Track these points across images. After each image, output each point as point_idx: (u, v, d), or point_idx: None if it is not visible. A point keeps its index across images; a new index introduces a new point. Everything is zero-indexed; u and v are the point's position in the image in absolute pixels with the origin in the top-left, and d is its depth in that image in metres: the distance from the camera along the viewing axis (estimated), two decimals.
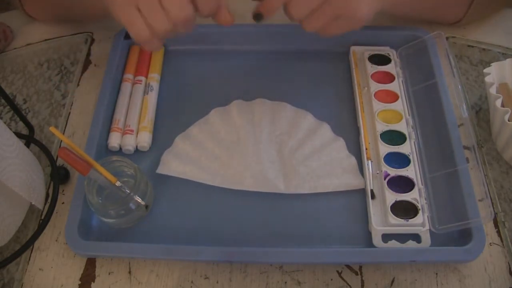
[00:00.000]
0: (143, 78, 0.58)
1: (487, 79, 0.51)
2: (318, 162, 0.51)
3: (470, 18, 0.60)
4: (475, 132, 0.55)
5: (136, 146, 0.53)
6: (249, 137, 0.53)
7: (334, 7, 0.47)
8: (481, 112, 0.56)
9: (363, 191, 0.50)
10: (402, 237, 0.46)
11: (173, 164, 0.52)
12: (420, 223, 0.46)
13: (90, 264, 0.47)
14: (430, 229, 0.46)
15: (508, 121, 0.48)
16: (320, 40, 0.53)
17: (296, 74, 0.59)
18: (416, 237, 0.46)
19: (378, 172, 0.50)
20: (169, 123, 0.55)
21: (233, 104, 0.56)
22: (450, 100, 0.53)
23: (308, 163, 0.51)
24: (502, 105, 0.51)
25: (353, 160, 0.51)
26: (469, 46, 0.62)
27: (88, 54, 0.63)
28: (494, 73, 0.52)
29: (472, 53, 0.61)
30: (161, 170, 0.52)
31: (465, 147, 0.50)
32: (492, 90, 0.51)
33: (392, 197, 0.48)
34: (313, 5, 0.47)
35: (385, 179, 0.49)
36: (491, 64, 0.52)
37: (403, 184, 0.48)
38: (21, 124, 0.55)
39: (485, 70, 0.52)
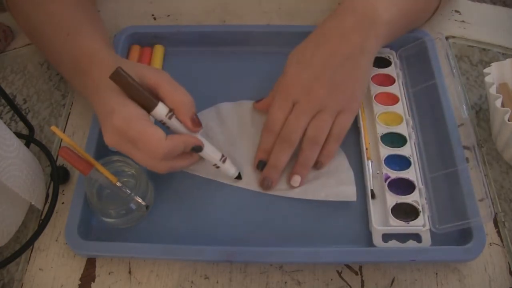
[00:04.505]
0: None
1: (487, 79, 0.51)
2: (315, 171, 0.51)
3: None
4: (475, 132, 0.55)
5: None
6: (251, 136, 0.53)
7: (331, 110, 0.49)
8: (481, 112, 0.56)
9: (363, 191, 0.50)
10: (402, 237, 0.46)
11: None
12: (421, 224, 0.46)
13: (90, 264, 0.47)
14: (430, 229, 0.46)
15: (508, 121, 0.48)
16: None
17: None
18: (417, 237, 0.46)
19: (378, 172, 0.50)
20: None
21: (242, 103, 0.56)
22: (450, 100, 0.53)
23: None
24: (502, 105, 0.51)
25: (350, 173, 0.50)
26: (469, 46, 0.62)
27: None
28: (494, 73, 0.52)
29: (472, 53, 0.61)
30: None
31: (465, 147, 0.50)
32: (492, 90, 0.51)
33: (392, 199, 0.48)
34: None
35: (385, 181, 0.49)
36: (491, 64, 0.52)
37: (403, 186, 0.48)
38: (21, 124, 0.55)
39: (485, 70, 0.52)
